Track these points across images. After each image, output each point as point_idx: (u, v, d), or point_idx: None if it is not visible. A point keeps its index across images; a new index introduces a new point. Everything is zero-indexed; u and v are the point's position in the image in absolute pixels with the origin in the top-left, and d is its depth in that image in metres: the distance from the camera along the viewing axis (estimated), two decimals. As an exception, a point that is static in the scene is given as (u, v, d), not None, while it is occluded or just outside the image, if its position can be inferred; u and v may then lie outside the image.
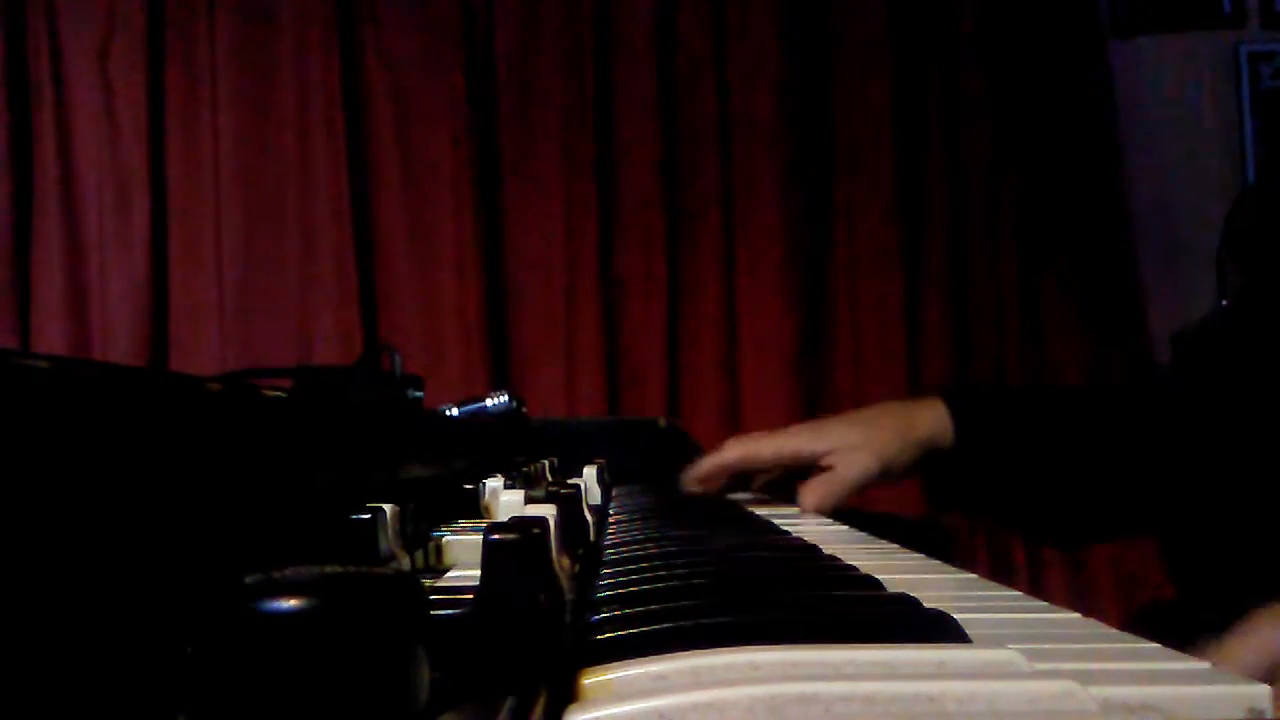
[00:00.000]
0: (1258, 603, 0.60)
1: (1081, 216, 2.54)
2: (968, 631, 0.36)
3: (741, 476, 1.12)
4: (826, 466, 1.03)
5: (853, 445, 1.03)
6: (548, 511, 0.47)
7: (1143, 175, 2.60)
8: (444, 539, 0.60)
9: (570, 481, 0.73)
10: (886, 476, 1.03)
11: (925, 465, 1.05)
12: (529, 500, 0.64)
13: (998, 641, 0.35)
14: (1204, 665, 0.34)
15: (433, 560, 0.58)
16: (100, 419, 0.28)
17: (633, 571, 0.51)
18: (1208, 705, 0.30)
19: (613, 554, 0.59)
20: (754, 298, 2.52)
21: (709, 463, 1.10)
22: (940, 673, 0.30)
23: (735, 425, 2.46)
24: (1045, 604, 0.47)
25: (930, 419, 1.04)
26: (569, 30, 2.53)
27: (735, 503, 1.08)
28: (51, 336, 2.44)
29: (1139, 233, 2.56)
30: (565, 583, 0.43)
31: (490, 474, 0.77)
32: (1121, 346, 2.48)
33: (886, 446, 1.02)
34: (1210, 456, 1.00)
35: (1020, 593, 0.50)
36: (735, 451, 1.09)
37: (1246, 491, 0.96)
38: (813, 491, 1.02)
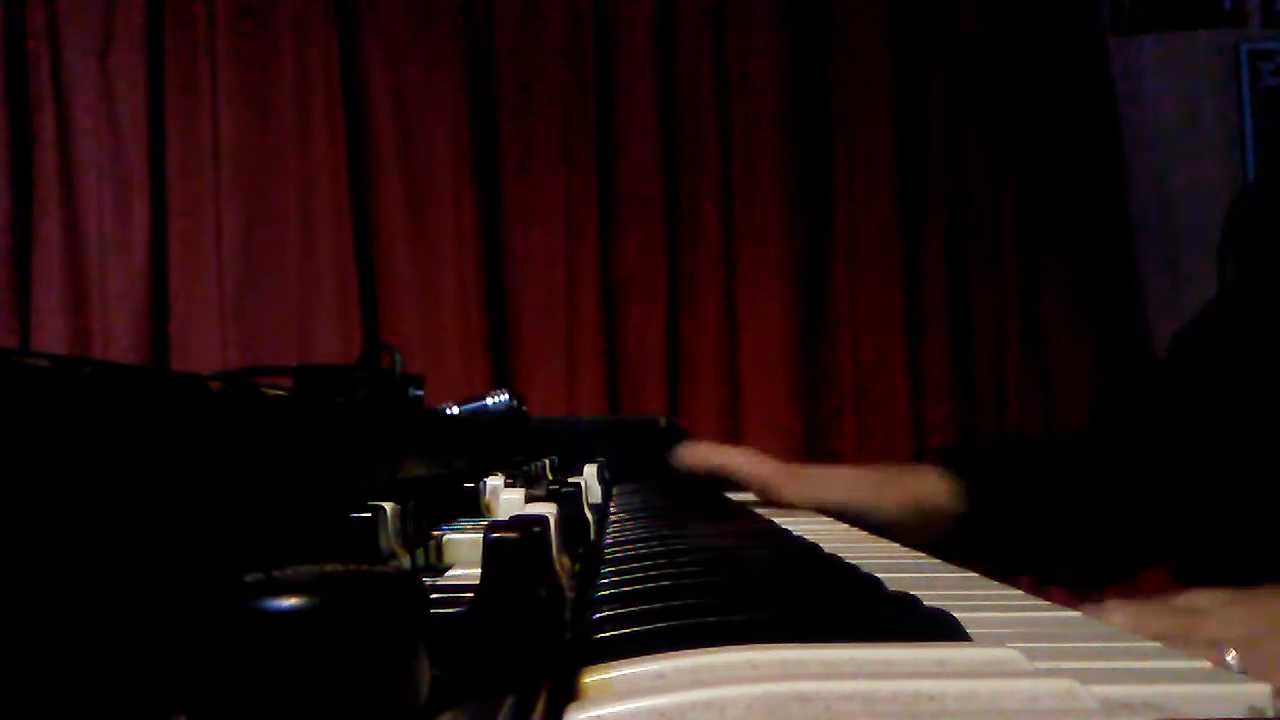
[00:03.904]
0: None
1: (1082, 214, 2.54)
2: (969, 630, 0.36)
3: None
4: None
5: (827, 478, 1.08)
6: (548, 510, 0.47)
7: (1143, 173, 2.59)
8: (444, 538, 0.59)
9: (571, 480, 0.73)
10: (853, 515, 1.05)
11: (929, 529, 1.06)
12: (529, 499, 0.64)
13: (998, 640, 0.35)
14: (1204, 664, 0.34)
15: (433, 559, 0.58)
16: (101, 418, 0.28)
17: (633, 570, 0.51)
18: (1209, 704, 0.30)
19: (613, 553, 0.59)
20: (754, 297, 2.52)
21: (702, 456, 1.15)
22: (941, 671, 0.30)
23: (735, 423, 2.46)
24: (1046, 603, 0.47)
25: (928, 483, 1.06)
26: (569, 29, 2.53)
27: (736, 502, 1.09)
28: (52, 335, 2.44)
29: (1139, 230, 2.56)
30: (566, 581, 0.43)
31: (491, 473, 0.77)
32: (1122, 344, 2.48)
33: (859, 489, 1.05)
34: (1211, 461, 0.99)
35: (1021, 591, 0.50)
36: (736, 460, 1.13)
37: (1251, 495, 0.95)
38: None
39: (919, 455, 1.14)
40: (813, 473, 1.08)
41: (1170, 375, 1.10)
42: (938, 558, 0.64)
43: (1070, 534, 1.07)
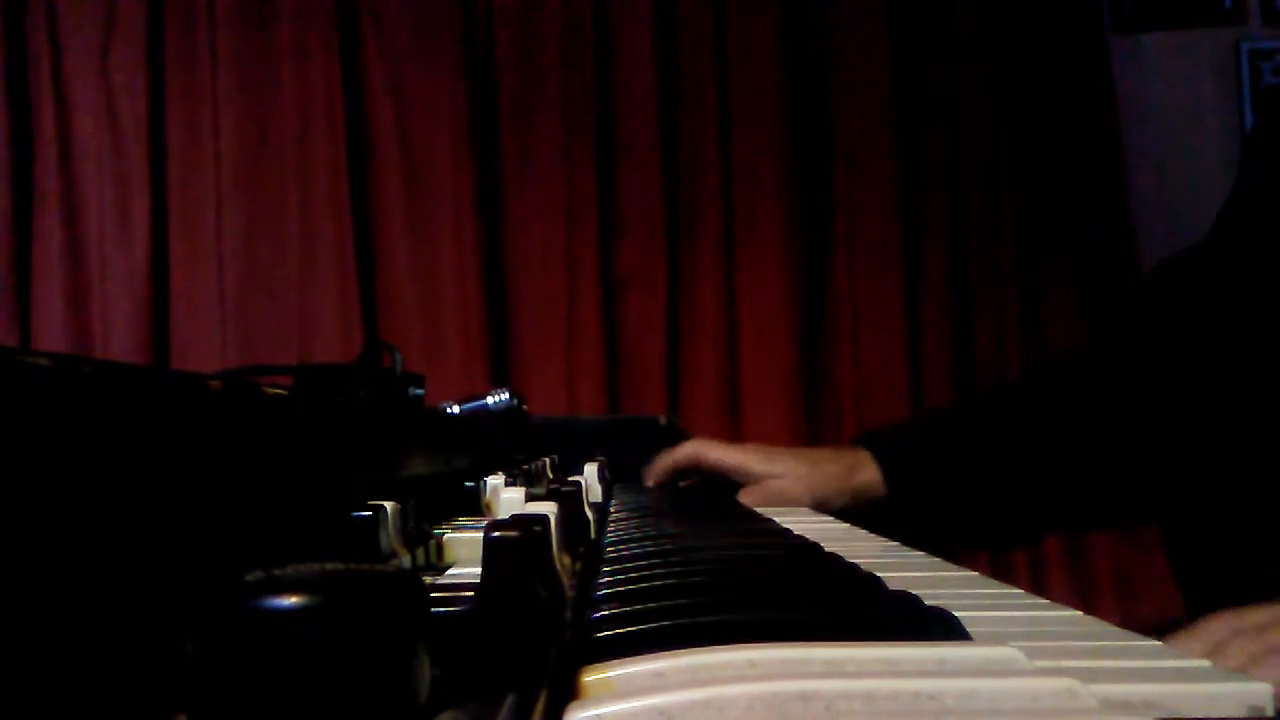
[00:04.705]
0: (1261, 589, 0.60)
1: (1082, 213, 2.54)
2: (969, 629, 0.36)
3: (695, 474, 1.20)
4: (765, 485, 1.13)
5: (794, 475, 1.12)
6: (549, 509, 0.47)
7: (1143, 172, 2.59)
8: (445, 536, 0.59)
9: (571, 479, 0.73)
10: (817, 509, 1.09)
11: (862, 510, 1.10)
12: (530, 498, 0.64)
13: (999, 639, 0.35)
14: (1204, 663, 0.34)
15: (433, 558, 0.58)
16: (101, 417, 0.28)
17: (633, 569, 0.51)
18: (1209, 703, 0.30)
19: (614, 551, 0.59)
20: (754, 296, 2.52)
21: (664, 462, 1.19)
22: (941, 670, 0.30)
23: (736, 422, 2.46)
24: (1046, 601, 0.47)
25: (866, 472, 1.12)
26: (569, 30, 2.53)
27: (736, 501, 1.09)
28: (52, 335, 2.44)
29: (1139, 230, 2.56)
30: (566, 580, 0.43)
31: (491, 471, 0.77)
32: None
33: (822, 487, 1.11)
34: (1207, 452, 1.00)
35: (1021, 590, 0.50)
36: (686, 450, 1.18)
37: (1231, 454, 0.96)
38: (749, 497, 1.11)
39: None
40: (775, 472, 1.11)
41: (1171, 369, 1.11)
42: (937, 556, 0.64)
43: (977, 507, 1.12)
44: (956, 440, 1.15)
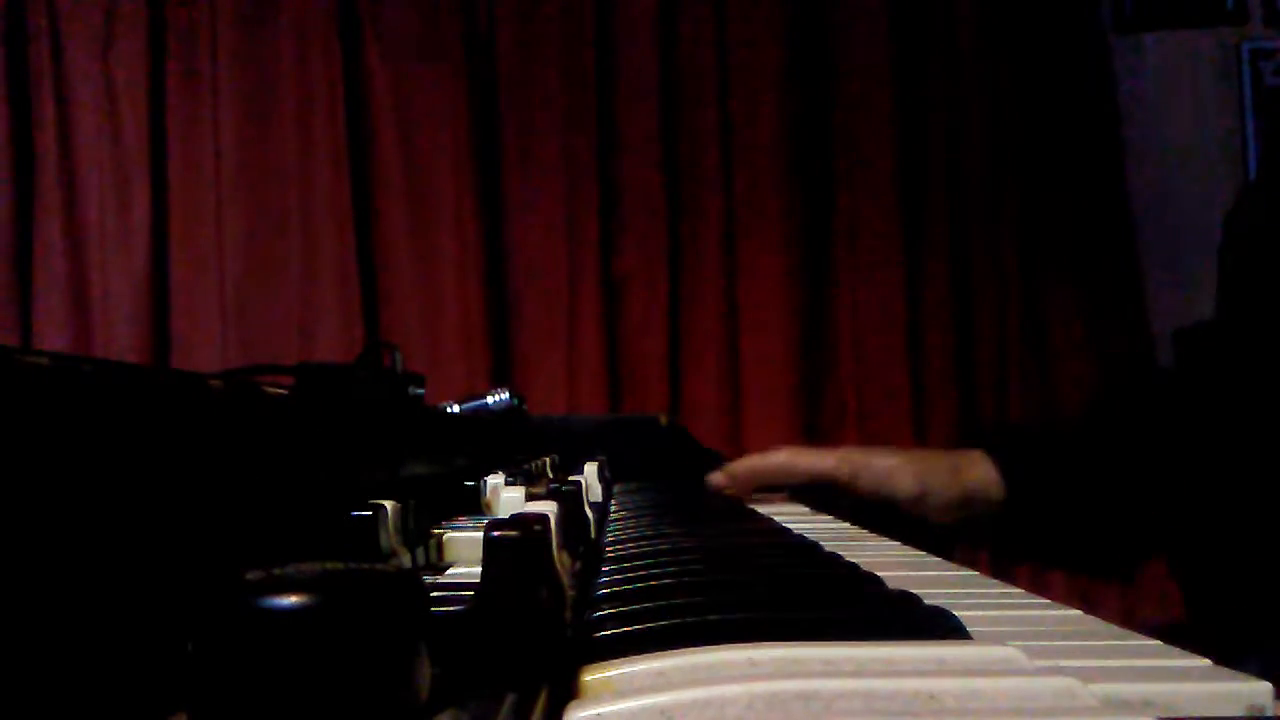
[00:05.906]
0: (1268, 611, 0.60)
1: (1083, 214, 2.54)
2: (968, 628, 0.36)
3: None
4: (871, 468, 1.04)
5: (899, 462, 1.04)
6: (549, 509, 0.47)
7: (1144, 172, 2.59)
8: (445, 536, 0.60)
9: (571, 479, 0.73)
10: (925, 502, 1.02)
11: (969, 517, 1.03)
12: (530, 497, 0.64)
13: (998, 638, 0.35)
14: (1204, 662, 0.34)
15: (433, 557, 0.58)
16: (102, 416, 0.28)
17: (634, 569, 0.51)
18: (1208, 702, 0.30)
19: (614, 551, 0.59)
20: (755, 296, 2.52)
21: (745, 466, 1.10)
22: (940, 670, 0.30)
23: (736, 422, 2.46)
24: (1046, 601, 0.47)
25: (979, 469, 1.03)
26: (569, 29, 2.53)
27: (737, 500, 1.09)
28: (53, 334, 2.44)
29: (1140, 229, 2.56)
30: (566, 580, 0.43)
31: (491, 471, 0.77)
32: (1124, 344, 2.48)
33: (930, 475, 1.02)
34: (1213, 461, 0.99)
35: (1021, 590, 0.50)
36: (778, 459, 1.08)
37: (1252, 498, 0.95)
38: (858, 480, 1.04)
39: (968, 435, 1.10)
40: (878, 465, 1.03)
41: (1176, 374, 1.10)
42: (938, 555, 0.64)
43: (1097, 522, 1.06)
44: (1078, 443, 1.08)
